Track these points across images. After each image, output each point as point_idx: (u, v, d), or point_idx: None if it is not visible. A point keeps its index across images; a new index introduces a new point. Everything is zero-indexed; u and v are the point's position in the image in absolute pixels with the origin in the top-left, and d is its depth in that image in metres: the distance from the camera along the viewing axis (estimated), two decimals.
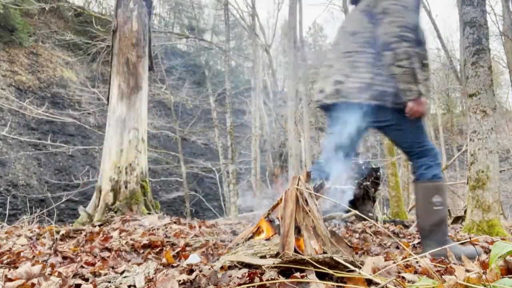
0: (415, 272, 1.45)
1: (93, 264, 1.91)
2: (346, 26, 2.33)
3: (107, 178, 4.19)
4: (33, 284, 1.02)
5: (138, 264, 1.74)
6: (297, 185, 1.61)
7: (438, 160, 2.26)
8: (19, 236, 2.99)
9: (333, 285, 1.19)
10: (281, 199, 1.68)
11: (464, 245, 2.17)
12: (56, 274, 1.48)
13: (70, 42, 15.59)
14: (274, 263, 1.26)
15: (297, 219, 1.53)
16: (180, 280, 1.33)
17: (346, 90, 2.15)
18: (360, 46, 2.20)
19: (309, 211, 1.58)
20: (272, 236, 1.75)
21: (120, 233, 2.94)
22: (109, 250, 2.26)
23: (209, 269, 1.45)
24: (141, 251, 2.26)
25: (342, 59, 2.22)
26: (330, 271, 1.18)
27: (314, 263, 1.19)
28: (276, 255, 1.48)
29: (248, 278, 1.24)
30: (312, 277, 1.15)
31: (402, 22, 2.10)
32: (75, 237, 2.95)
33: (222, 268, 1.44)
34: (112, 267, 1.87)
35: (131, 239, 2.61)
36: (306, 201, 1.62)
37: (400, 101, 2.15)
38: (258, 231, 1.88)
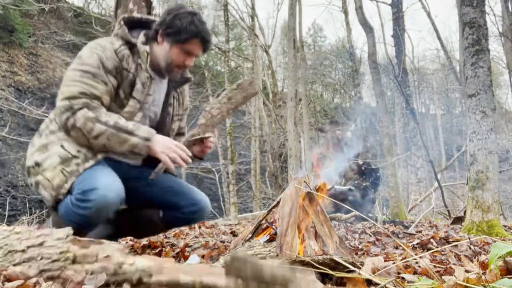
0: (415, 273, 1.45)
1: None
2: None
3: None
4: (34, 285, 1.02)
5: None
6: (298, 186, 1.61)
7: None
8: None
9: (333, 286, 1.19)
10: (280, 200, 1.68)
11: None
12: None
13: (69, 42, 15.58)
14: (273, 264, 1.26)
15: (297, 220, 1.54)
16: None
17: None
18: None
19: (318, 212, 1.58)
20: (272, 237, 1.75)
21: None
22: None
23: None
24: (141, 251, 2.27)
25: None
26: (330, 272, 1.18)
27: (314, 263, 1.19)
28: (277, 256, 1.48)
29: None
30: (312, 277, 1.15)
31: (73, 92, 1.66)
32: None
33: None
34: None
35: (130, 240, 2.61)
36: (309, 201, 1.62)
37: None
38: (258, 232, 1.88)
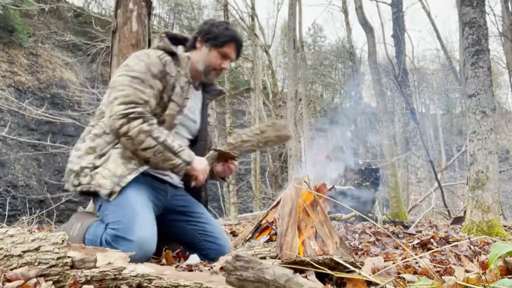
0: (415, 273, 1.45)
1: None
2: None
3: None
4: (34, 285, 1.02)
5: None
6: (298, 186, 1.61)
7: None
8: None
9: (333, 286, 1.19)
10: (280, 200, 1.68)
11: None
12: None
13: (69, 42, 15.59)
14: (273, 264, 1.26)
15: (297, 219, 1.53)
16: None
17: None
18: (95, 117, 1.93)
19: (318, 212, 1.58)
20: (272, 237, 1.75)
21: None
22: None
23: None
24: None
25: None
26: (330, 272, 1.18)
27: (314, 263, 1.19)
28: (277, 256, 1.48)
29: None
30: (312, 278, 1.15)
31: (127, 97, 1.76)
32: None
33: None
34: None
35: None
36: (309, 201, 1.62)
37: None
38: (258, 232, 1.88)
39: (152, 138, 1.73)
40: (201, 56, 2.01)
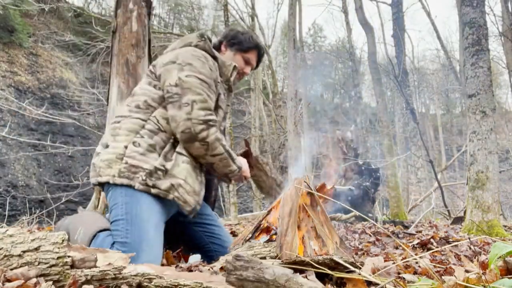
0: (415, 273, 1.45)
1: None
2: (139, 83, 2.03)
3: None
4: (34, 285, 1.02)
5: None
6: (298, 186, 1.61)
7: None
8: None
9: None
10: (280, 200, 1.68)
11: None
12: None
13: (69, 42, 15.58)
14: (273, 264, 1.26)
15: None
16: None
17: (98, 165, 1.79)
18: (129, 111, 1.86)
19: (318, 212, 1.58)
20: (272, 237, 1.75)
21: None
22: None
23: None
24: None
25: (111, 124, 1.91)
26: (330, 272, 1.18)
27: (314, 263, 1.19)
28: (277, 256, 1.48)
29: None
30: (312, 278, 1.15)
31: (205, 102, 1.79)
32: None
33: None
34: None
35: None
36: (309, 202, 1.62)
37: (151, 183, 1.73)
38: (258, 232, 1.88)
39: (222, 145, 1.83)
40: (226, 59, 2.07)
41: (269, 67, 17.93)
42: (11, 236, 1.13)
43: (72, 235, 1.77)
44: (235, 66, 2.02)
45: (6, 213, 6.65)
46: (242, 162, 2.00)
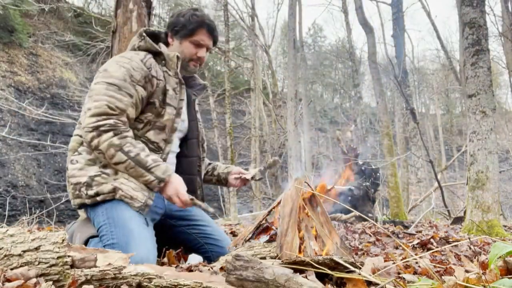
0: (415, 273, 1.45)
1: None
2: None
3: None
4: (34, 285, 1.02)
5: None
6: (298, 186, 1.61)
7: None
8: None
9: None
10: (280, 200, 1.68)
11: None
12: None
13: (69, 42, 15.59)
14: (273, 264, 1.26)
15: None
16: None
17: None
18: (76, 128, 1.85)
19: (318, 212, 1.58)
20: (272, 237, 1.75)
21: None
22: None
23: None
24: None
25: None
26: (330, 272, 1.18)
27: (314, 263, 1.19)
28: (277, 257, 1.48)
29: None
30: (312, 278, 1.15)
31: (99, 108, 1.66)
32: None
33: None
34: None
35: None
36: (310, 201, 1.62)
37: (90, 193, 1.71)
38: (258, 232, 1.88)
39: (123, 152, 1.64)
40: (174, 49, 1.91)
41: (269, 67, 17.92)
42: (11, 235, 1.13)
43: (73, 241, 1.79)
44: (177, 56, 1.86)
45: (6, 213, 6.65)
46: (175, 178, 1.74)
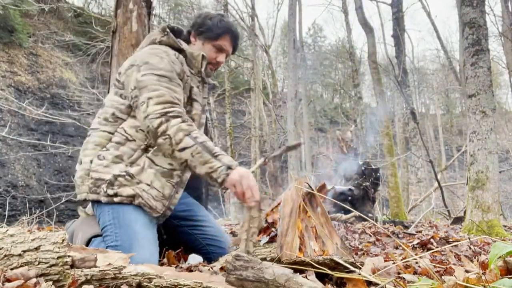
0: (415, 273, 1.45)
1: None
2: None
3: None
4: (34, 285, 1.02)
5: None
6: (299, 186, 1.60)
7: None
8: None
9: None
10: (280, 200, 1.68)
11: None
12: None
13: (69, 42, 15.59)
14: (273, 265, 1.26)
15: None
16: None
17: (76, 183, 1.79)
18: (99, 123, 1.81)
19: (319, 213, 1.58)
20: (272, 238, 1.74)
21: None
22: None
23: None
24: None
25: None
26: (330, 272, 1.18)
27: (314, 263, 1.19)
28: (277, 257, 1.48)
29: None
30: (312, 278, 1.15)
31: (162, 97, 1.67)
32: None
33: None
34: None
35: None
36: (310, 202, 1.62)
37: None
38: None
39: (191, 137, 1.62)
40: (197, 50, 1.93)
41: (269, 67, 17.92)
42: (11, 235, 1.14)
43: (74, 240, 1.79)
44: (203, 55, 1.88)
45: (6, 213, 6.65)
46: (242, 169, 1.64)
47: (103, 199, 1.70)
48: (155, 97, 1.66)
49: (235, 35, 1.96)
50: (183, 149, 1.62)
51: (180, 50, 1.88)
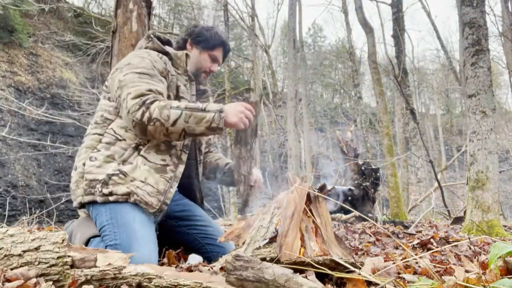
0: (415, 273, 1.45)
1: None
2: None
3: None
4: (34, 285, 1.02)
5: None
6: (301, 187, 1.61)
7: None
8: None
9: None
10: (279, 202, 1.68)
11: None
12: None
13: (69, 42, 15.59)
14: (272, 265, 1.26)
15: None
16: None
17: (71, 188, 1.84)
18: (90, 128, 1.89)
19: (319, 214, 1.58)
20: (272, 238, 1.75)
21: None
22: None
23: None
24: None
25: None
26: (330, 272, 1.18)
27: (314, 264, 1.19)
28: (276, 257, 1.48)
29: None
30: (312, 278, 1.15)
31: (139, 90, 1.72)
32: None
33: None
34: None
35: None
36: (310, 203, 1.62)
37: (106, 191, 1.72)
38: None
39: (174, 108, 1.67)
40: (192, 57, 2.02)
41: (269, 67, 17.93)
42: (11, 235, 1.14)
43: (72, 240, 1.79)
44: (187, 54, 1.98)
45: (6, 213, 6.65)
46: (228, 105, 1.76)
47: (99, 198, 1.72)
48: (133, 92, 1.72)
49: (227, 49, 2.13)
50: (175, 121, 1.67)
51: (165, 53, 1.96)
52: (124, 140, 1.79)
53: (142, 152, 1.78)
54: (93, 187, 1.73)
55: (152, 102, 1.68)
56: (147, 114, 1.67)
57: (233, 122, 1.72)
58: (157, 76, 1.81)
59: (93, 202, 1.75)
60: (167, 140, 1.82)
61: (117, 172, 1.72)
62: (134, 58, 1.85)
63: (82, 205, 1.81)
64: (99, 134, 1.83)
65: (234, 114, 1.72)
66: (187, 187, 1.98)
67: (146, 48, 1.96)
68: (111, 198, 1.70)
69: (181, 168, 1.84)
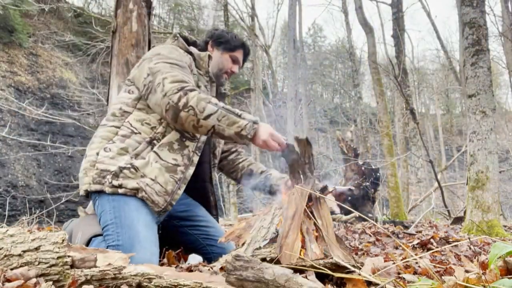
0: (415, 273, 1.45)
1: None
2: None
3: None
4: (34, 285, 1.02)
5: None
6: (302, 188, 1.60)
7: None
8: None
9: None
10: (279, 202, 1.68)
11: None
12: None
13: (69, 43, 15.58)
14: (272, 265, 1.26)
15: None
16: None
17: (79, 176, 1.85)
18: (106, 119, 1.89)
19: (320, 215, 1.58)
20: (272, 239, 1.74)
21: None
22: None
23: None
24: None
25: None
26: (330, 272, 1.18)
27: (315, 265, 1.19)
28: (277, 257, 1.48)
29: None
30: (312, 278, 1.15)
31: (176, 77, 1.74)
32: None
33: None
34: None
35: None
36: (310, 203, 1.62)
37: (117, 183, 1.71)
38: None
39: (212, 104, 1.67)
40: (214, 59, 2.06)
41: (269, 67, 17.93)
42: (11, 235, 1.13)
43: (73, 239, 1.78)
44: (209, 55, 2.01)
45: (6, 213, 6.64)
46: (263, 123, 1.73)
47: (107, 189, 1.72)
48: (170, 77, 1.73)
49: (247, 51, 2.17)
50: (209, 115, 1.66)
51: (189, 53, 1.99)
52: (140, 133, 1.81)
53: (155, 148, 1.79)
54: (103, 177, 1.73)
55: (191, 90, 1.70)
56: (183, 100, 1.67)
57: (262, 138, 1.69)
58: (187, 69, 1.85)
59: (100, 192, 1.75)
60: (191, 134, 1.84)
61: (129, 165, 1.73)
62: (163, 49, 1.87)
63: (87, 195, 1.81)
64: (116, 127, 1.84)
65: (266, 131, 1.69)
66: (201, 191, 1.99)
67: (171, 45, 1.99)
68: (120, 191, 1.71)
69: (191, 170, 1.84)
